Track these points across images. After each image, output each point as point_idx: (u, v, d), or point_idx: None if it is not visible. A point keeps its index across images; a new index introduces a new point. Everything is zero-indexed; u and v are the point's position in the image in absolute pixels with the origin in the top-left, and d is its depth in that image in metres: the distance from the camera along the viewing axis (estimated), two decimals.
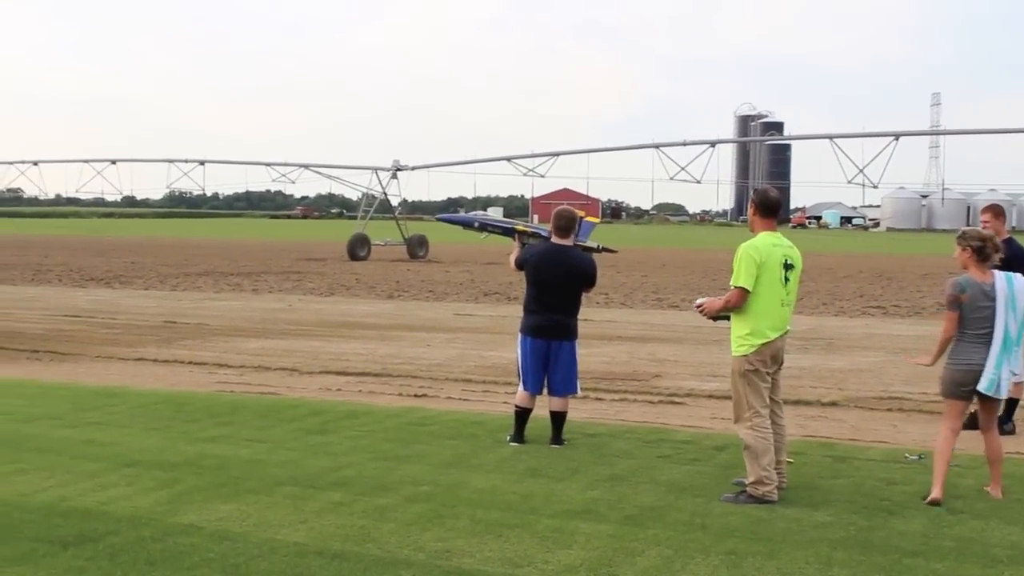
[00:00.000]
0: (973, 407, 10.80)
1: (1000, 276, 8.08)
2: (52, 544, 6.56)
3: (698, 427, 10.85)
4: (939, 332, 8.29)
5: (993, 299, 7.97)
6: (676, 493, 7.98)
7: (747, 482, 7.85)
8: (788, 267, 7.99)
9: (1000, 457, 8.22)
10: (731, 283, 8.02)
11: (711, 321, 8.49)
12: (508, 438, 9.85)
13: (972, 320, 8.01)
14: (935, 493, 7.91)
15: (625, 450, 9.52)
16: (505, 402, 11.78)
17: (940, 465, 8.04)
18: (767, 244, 7.99)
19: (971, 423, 10.85)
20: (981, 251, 8.08)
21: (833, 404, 12.42)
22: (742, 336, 7.99)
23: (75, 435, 10.04)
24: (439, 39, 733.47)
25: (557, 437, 9.76)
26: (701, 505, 7.64)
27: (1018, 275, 8.18)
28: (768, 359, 7.98)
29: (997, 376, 7.94)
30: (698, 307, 8.38)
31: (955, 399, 8.18)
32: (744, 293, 7.91)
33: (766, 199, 8.25)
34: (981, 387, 7.94)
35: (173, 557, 6.36)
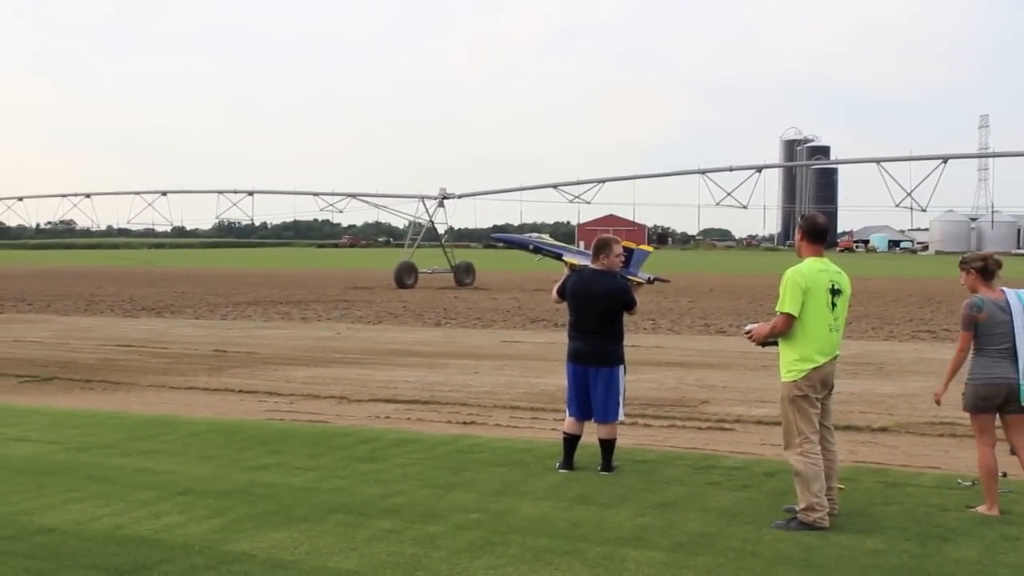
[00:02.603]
0: None
1: (1010, 292, 8.34)
2: (108, 572, 6.64)
3: (748, 453, 10.81)
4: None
5: (1009, 313, 8.21)
6: (726, 520, 7.94)
7: (798, 509, 7.81)
8: (835, 292, 7.96)
9: None
10: (776, 309, 8.02)
11: (760, 347, 8.47)
12: (557, 465, 9.85)
13: (993, 335, 8.21)
14: (992, 511, 8.08)
15: (674, 477, 9.49)
16: (554, 429, 11.78)
17: (989, 482, 8.19)
18: (813, 269, 7.98)
19: None
20: (984, 270, 8.41)
21: (884, 430, 12.32)
22: (791, 361, 7.96)
23: (129, 464, 10.16)
24: (485, 67, 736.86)
25: (606, 464, 9.76)
26: (752, 532, 7.61)
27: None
28: (817, 384, 7.95)
29: (1019, 385, 8.15)
30: (746, 333, 8.39)
31: (980, 413, 8.30)
32: (790, 319, 7.89)
33: (814, 225, 8.25)
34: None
35: None
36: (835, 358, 8.09)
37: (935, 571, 6.71)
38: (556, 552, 7.08)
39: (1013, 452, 8.45)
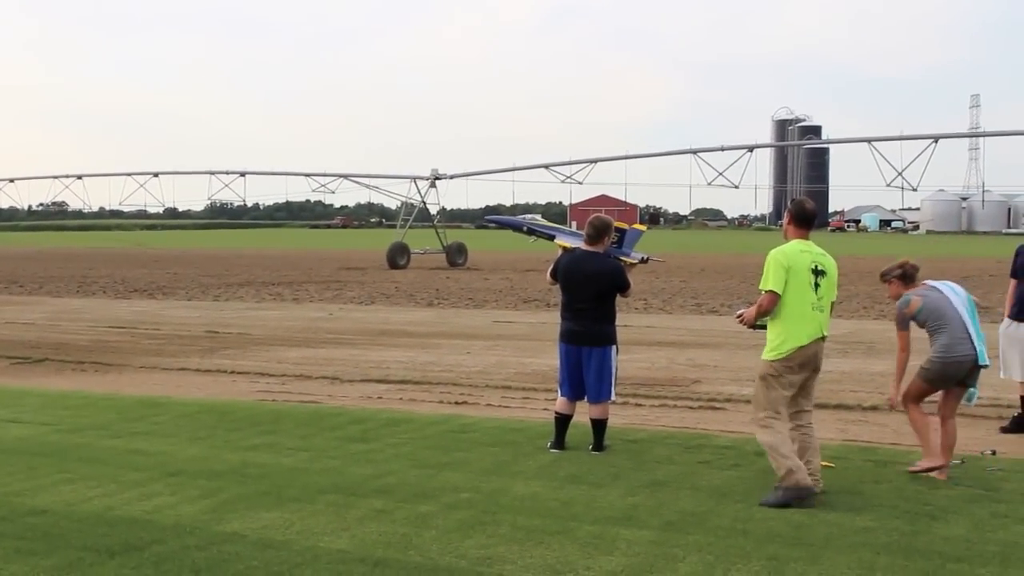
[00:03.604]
0: (1018, 411, 10.79)
1: (933, 282, 8.92)
2: (99, 553, 6.64)
3: (738, 432, 10.81)
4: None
5: (939, 291, 8.72)
6: (717, 499, 7.97)
7: (779, 478, 7.86)
8: (819, 272, 8.09)
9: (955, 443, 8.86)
10: (760, 287, 8.15)
11: (751, 330, 8.58)
12: (548, 445, 9.87)
13: (940, 313, 8.60)
14: (939, 461, 8.55)
15: (665, 456, 9.51)
16: (545, 409, 11.81)
17: (931, 436, 8.68)
18: (795, 250, 8.12)
19: (1016, 426, 10.80)
20: (904, 275, 8.93)
21: (874, 408, 12.33)
22: (774, 341, 8.08)
23: (120, 445, 10.16)
24: (477, 48, 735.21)
25: (598, 443, 9.78)
26: (742, 511, 7.63)
27: (944, 281, 9.04)
28: (796, 365, 8.03)
29: (983, 347, 8.62)
30: (738, 317, 8.54)
31: (930, 386, 8.72)
32: (773, 296, 8.01)
33: (802, 210, 8.43)
34: (982, 362, 8.56)
35: (217, 565, 6.42)
36: (822, 339, 8.15)
37: (925, 548, 6.73)
38: (547, 531, 7.09)
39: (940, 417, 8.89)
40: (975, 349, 8.52)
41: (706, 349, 18.40)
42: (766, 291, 8.04)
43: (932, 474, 8.64)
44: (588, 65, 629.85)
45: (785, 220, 8.50)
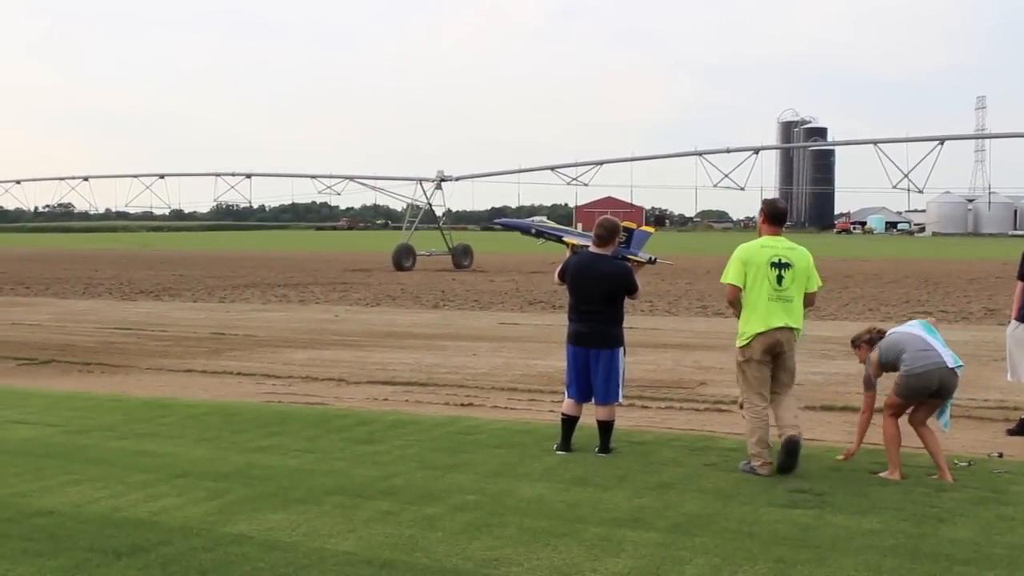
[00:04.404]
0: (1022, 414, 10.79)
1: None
2: (106, 554, 6.65)
3: (744, 435, 10.80)
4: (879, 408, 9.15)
5: (892, 331, 9.01)
6: (723, 501, 7.96)
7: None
8: (782, 266, 8.69)
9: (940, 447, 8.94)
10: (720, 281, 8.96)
11: None
12: (555, 447, 9.86)
13: (895, 343, 8.81)
14: (894, 475, 8.65)
15: (672, 458, 9.50)
16: (551, 411, 11.80)
17: (893, 449, 8.77)
18: (756, 246, 8.84)
19: (1023, 429, 10.79)
20: (871, 341, 9.12)
21: (880, 410, 12.29)
22: (740, 330, 8.90)
23: (127, 446, 10.16)
24: (482, 49, 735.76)
25: (604, 445, 9.76)
26: (749, 513, 7.62)
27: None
28: (759, 351, 8.75)
29: (951, 352, 8.75)
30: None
31: (903, 399, 8.77)
32: (732, 288, 8.86)
33: (774, 209, 9.20)
34: (953, 364, 8.63)
35: (224, 566, 6.42)
36: (788, 329, 8.76)
37: (931, 551, 6.72)
38: (553, 533, 7.09)
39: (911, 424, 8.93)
40: (941, 356, 8.63)
41: (712, 351, 18.37)
42: (726, 284, 8.86)
43: (937, 477, 8.67)
44: (593, 67, 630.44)
45: (759, 219, 9.13)
